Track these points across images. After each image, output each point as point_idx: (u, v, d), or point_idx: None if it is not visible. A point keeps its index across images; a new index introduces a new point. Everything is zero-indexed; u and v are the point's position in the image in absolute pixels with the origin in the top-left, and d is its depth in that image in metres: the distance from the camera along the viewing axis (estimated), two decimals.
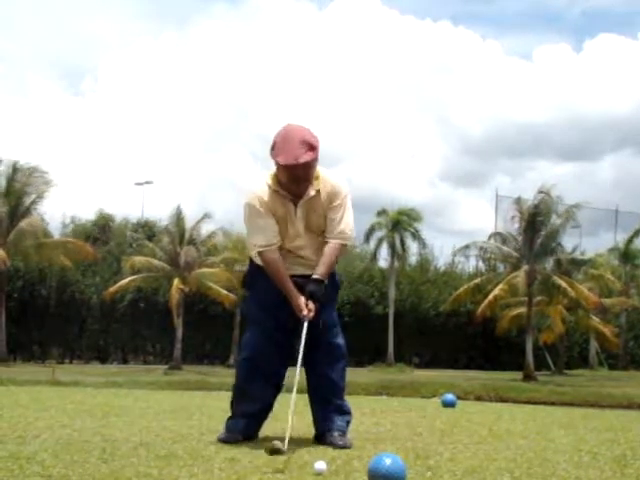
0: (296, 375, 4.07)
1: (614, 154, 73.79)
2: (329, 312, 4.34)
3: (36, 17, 73.57)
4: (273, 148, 4.09)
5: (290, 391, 4.04)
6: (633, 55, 70.21)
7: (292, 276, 4.21)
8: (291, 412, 3.89)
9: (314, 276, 4.17)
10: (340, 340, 4.41)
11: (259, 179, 4.26)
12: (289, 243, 4.24)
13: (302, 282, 4.18)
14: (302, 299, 4.12)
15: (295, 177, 4.09)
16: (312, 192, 4.17)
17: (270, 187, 4.18)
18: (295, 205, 4.20)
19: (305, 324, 4.09)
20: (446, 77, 73.60)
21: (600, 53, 71.52)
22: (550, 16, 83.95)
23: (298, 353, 4.10)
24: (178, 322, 29.41)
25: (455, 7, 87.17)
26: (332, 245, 4.23)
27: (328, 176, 4.25)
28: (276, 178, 4.18)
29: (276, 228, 4.19)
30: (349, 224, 4.29)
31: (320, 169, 4.23)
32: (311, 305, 4.11)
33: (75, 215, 41.09)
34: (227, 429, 4.34)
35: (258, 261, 4.32)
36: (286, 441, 3.60)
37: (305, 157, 4.02)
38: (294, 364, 4.45)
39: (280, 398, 4.54)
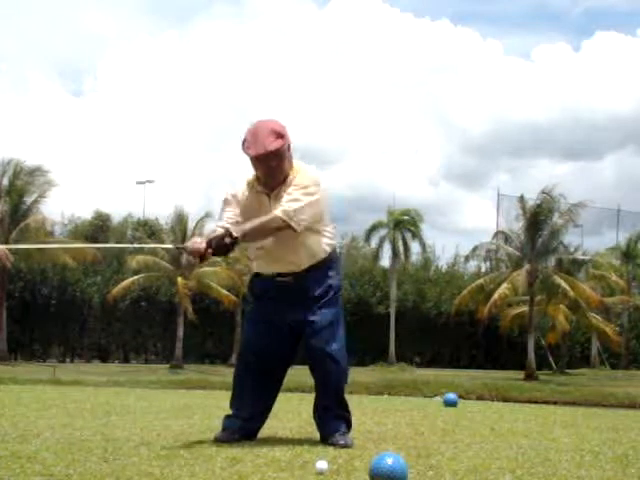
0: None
1: (616, 153, 73.81)
2: (322, 313, 4.22)
3: (35, 15, 73.63)
4: (244, 144, 4.12)
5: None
6: (635, 53, 70.15)
7: (278, 274, 4.19)
8: None
9: (231, 229, 4.03)
10: (334, 346, 4.23)
11: (241, 180, 4.33)
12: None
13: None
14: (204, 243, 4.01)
15: (269, 168, 4.10)
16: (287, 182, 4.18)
17: (248, 184, 4.25)
18: (269, 198, 4.21)
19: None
20: (447, 76, 73.63)
21: (601, 51, 71.50)
22: (550, 15, 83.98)
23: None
24: (180, 321, 29.44)
25: (455, 6, 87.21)
26: (271, 213, 4.10)
27: (305, 169, 4.25)
28: (256, 176, 4.23)
29: (234, 218, 4.18)
30: (299, 208, 4.05)
31: (300, 164, 4.25)
32: (202, 245, 4.00)
33: (74, 214, 41.12)
34: (224, 427, 4.31)
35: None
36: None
37: (274, 144, 4.03)
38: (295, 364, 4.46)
39: (282, 397, 4.53)
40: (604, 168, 72.76)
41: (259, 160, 4.07)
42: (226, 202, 4.27)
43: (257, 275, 4.36)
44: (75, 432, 4.45)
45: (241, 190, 4.26)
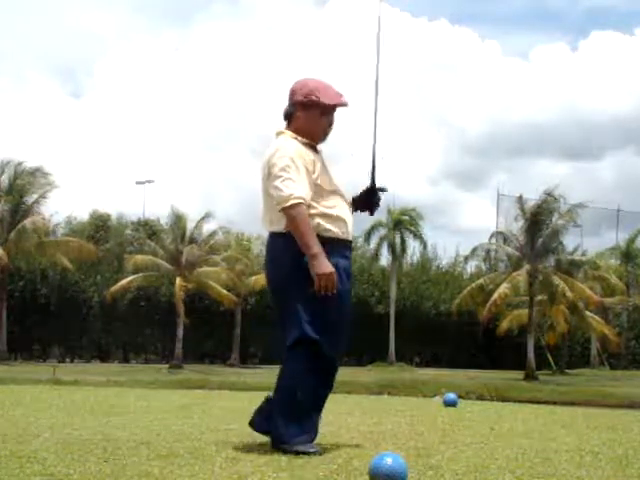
0: None
1: (616, 153, 73.83)
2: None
3: (34, 15, 73.57)
4: (315, 92, 3.83)
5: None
6: (634, 52, 70.12)
7: (344, 240, 3.84)
8: None
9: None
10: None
11: (284, 137, 3.84)
12: (333, 200, 3.85)
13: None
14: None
15: (331, 122, 3.91)
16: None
17: (298, 140, 3.82)
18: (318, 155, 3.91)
19: None
20: (446, 76, 73.63)
21: (599, 51, 71.50)
22: (549, 15, 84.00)
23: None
24: (179, 321, 29.42)
25: (453, 6, 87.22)
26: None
27: None
28: (296, 134, 3.86)
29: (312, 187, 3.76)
30: None
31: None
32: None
33: (72, 214, 41.07)
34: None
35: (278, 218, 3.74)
36: None
37: None
38: None
39: None
40: (604, 168, 72.85)
41: (334, 109, 3.89)
42: (298, 166, 3.72)
43: (337, 241, 3.80)
44: (75, 432, 4.45)
45: (299, 147, 3.79)
